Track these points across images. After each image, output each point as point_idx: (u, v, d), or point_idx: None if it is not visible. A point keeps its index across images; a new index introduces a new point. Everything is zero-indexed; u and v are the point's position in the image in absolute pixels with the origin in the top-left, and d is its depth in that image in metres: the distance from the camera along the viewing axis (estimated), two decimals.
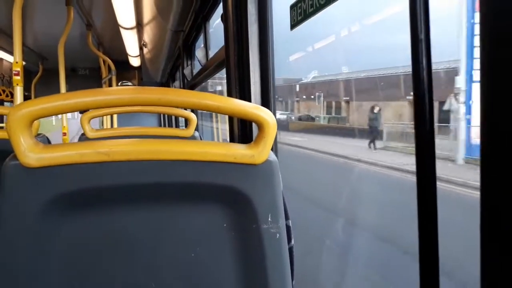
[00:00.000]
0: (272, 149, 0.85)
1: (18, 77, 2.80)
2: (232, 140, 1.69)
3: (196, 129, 2.03)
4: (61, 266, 0.78)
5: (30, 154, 0.73)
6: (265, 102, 1.55)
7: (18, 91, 2.82)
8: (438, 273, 0.81)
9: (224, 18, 1.70)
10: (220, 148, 0.82)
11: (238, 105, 0.82)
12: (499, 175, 0.58)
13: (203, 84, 3.27)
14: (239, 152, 0.81)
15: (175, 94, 0.80)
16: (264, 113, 0.82)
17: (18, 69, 2.80)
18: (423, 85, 0.78)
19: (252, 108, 0.82)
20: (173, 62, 4.58)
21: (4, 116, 5.95)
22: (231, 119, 1.69)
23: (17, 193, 0.74)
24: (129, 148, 0.78)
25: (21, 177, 0.74)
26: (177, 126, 5.37)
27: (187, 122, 1.98)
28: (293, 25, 1.34)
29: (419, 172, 0.81)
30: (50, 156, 0.74)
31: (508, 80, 0.55)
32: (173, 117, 5.48)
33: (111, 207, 0.80)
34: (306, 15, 1.25)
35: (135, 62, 6.04)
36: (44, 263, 0.76)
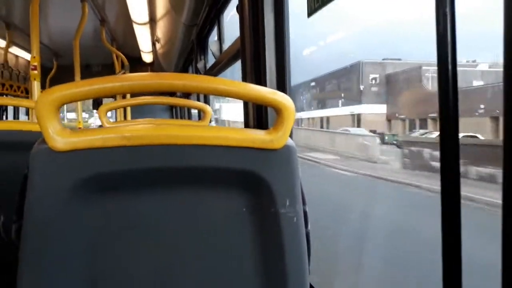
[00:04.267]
0: (289, 135, 0.86)
1: (36, 72, 2.84)
2: (247, 126, 1.70)
3: (211, 121, 2.05)
4: (87, 248, 0.80)
5: (58, 138, 0.75)
6: (282, 89, 1.56)
7: (35, 86, 2.86)
8: (461, 271, 0.83)
9: (239, 8, 1.71)
10: (239, 133, 0.83)
11: (256, 90, 0.83)
12: None
13: None
14: (258, 137, 0.82)
15: (196, 79, 0.82)
16: (282, 98, 0.83)
17: (36, 63, 2.84)
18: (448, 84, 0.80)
19: (270, 93, 0.83)
20: (185, 57, 4.59)
21: (19, 110, 5.98)
22: (246, 106, 1.70)
23: (46, 176, 0.76)
24: (150, 132, 0.80)
25: (50, 160, 0.76)
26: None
27: (200, 116, 2.00)
28: (310, 13, 1.34)
29: (444, 176, 0.83)
30: (77, 140, 0.76)
31: None
32: (186, 113, 5.51)
33: (132, 191, 0.82)
34: (323, 2, 1.25)
35: (147, 58, 6.07)
36: (70, 245, 0.78)
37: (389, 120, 16.17)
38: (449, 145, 0.82)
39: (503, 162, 0.65)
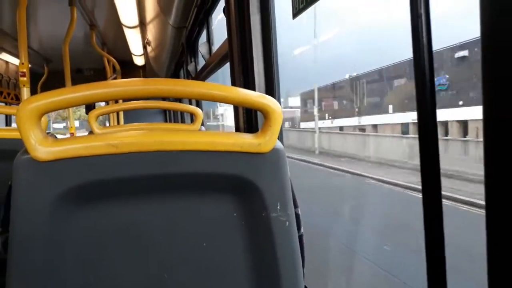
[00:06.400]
0: (278, 138, 0.85)
1: (25, 78, 2.82)
2: (237, 130, 1.69)
3: (202, 124, 2.03)
4: (74, 258, 0.78)
5: (40, 147, 0.73)
6: (270, 92, 1.54)
7: (25, 92, 2.84)
8: (445, 271, 0.82)
9: (226, 9, 1.70)
10: (227, 138, 0.82)
11: (243, 94, 0.82)
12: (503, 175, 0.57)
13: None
14: (246, 141, 0.82)
15: (183, 84, 0.81)
16: (269, 102, 0.82)
17: (24, 70, 2.82)
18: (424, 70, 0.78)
19: (258, 96, 0.83)
20: (176, 60, 4.58)
21: (12, 117, 5.99)
22: (236, 109, 1.69)
23: (28, 187, 0.74)
24: (137, 139, 0.78)
25: (32, 171, 0.74)
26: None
27: (192, 119, 1.99)
28: (295, 14, 1.33)
29: (423, 171, 0.82)
30: (60, 149, 0.74)
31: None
32: (179, 117, 5.51)
33: (121, 199, 0.81)
34: (308, 2, 1.24)
35: (139, 61, 6.05)
36: (57, 256, 0.77)
37: None
38: (428, 142, 0.81)
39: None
